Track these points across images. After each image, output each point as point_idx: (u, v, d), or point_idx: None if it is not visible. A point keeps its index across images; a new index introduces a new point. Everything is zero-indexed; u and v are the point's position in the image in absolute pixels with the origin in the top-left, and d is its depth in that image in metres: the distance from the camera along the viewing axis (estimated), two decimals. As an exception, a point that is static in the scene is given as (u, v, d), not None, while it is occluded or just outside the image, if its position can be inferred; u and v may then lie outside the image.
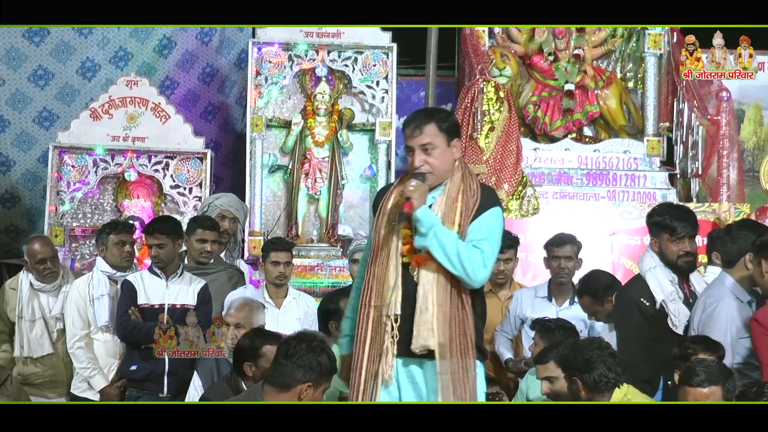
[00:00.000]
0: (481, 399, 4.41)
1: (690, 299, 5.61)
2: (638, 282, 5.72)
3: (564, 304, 6.93)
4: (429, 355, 4.31)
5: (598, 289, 6.32)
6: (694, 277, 5.78)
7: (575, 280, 7.08)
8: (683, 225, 5.58)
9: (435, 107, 4.77)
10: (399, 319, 4.32)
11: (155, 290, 6.52)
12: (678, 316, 5.50)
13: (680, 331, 5.50)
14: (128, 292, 6.51)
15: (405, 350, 4.33)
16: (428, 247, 4.28)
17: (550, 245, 7.05)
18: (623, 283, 6.18)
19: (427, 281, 4.32)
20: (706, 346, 5.07)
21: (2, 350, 7.05)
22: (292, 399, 4.42)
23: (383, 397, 4.35)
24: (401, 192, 4.40)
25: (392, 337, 4.31)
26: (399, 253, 4.37)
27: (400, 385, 4.38)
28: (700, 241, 7.02)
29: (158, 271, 6.58)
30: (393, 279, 4.35)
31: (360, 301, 4.44)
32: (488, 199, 4.45)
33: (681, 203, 7.98)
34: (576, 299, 6.92)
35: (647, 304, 5.56)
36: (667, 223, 5.61)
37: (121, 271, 6.84)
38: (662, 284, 5.56)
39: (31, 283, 6.98)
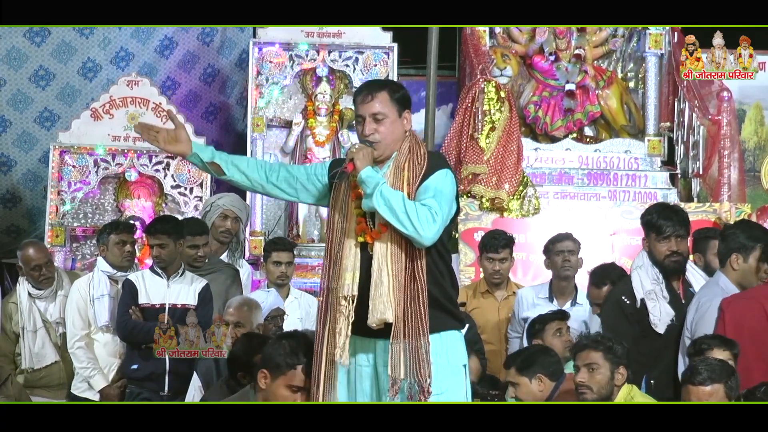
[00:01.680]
0: (458, 370, 4.34)
1: (684, 300, 5.61)
2: (625, 280, 5.76)
3: (565, 305, 6.92)
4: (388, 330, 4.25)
5: (618, 277, 6.29)
6: (693, 278, 5.77)
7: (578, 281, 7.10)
8: (670, 224, 5.56)
9: (386, 79, 4.70)
10: (355, 300, 4.26)
11: (156, 290, 6.52)
12: (659, 316, 5.49)
13: (661, 330, 5.47)
14: (129, 291, 6.50)
15: (373, 331, 4.26)
16: (375, 207, 4.21)
17: (550, 243, 7.05)
18: None
19: (381, 254, 4.26)
20: (722, 342, 5.07)
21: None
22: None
23: (365, 383, 4.32)
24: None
25: (347, 318, 4.26)
26: (354, 233, 4.32)
27: (378, 371, 4.32)
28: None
29: (159, 271, 6.58)
30: (349, 260, 4.30)
31: (320, 284, 4.42)
32: (436, 163, 4.38)
33: (675, 203, 7.96)
34: (577, 300, 6.92)
35: (627, 302, 5.56)
36: (654, 222, 5.60)
37: (122, 271, 6.84)
38: (643, 283, 5.54)
39: (29, 293, 6.97)
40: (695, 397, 4.65)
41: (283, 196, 4.59)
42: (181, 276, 6.60)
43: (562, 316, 6.31)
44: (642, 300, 5.53)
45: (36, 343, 6.92)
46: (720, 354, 4.98)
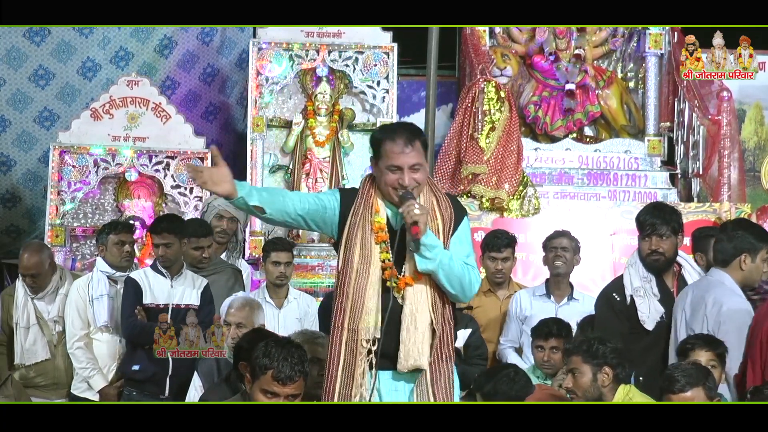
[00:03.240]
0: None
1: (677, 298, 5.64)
2: (618, 277, 5.84)
3: (562, 301, 6.95)
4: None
5: None
6: (689, 276, 5.77)
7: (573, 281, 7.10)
8: (651, 223, 5.63)
9: (411, 123, 4.61)
10: (377, 342, 4.29)
11: (160, 290, 6.50)
12: (647, 313, 5.55)
13: (649, 327, 5.55)
14: (134, 290, 6.47)
15: (387, 365, 4.33)
16: (434, 271, 4.28)
17: (546, 240, 7.13)
18: None
19: (416, 301, 4.31)
20: (706, 341, 5.08)
21: None
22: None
23: None
24: (405, 213, 4.27)
25: (368, 362, 4.29)
26: (379, 276, 4.33)
27: (382, 395, 4.36)
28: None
29: (163, 270, 6.56)
30: (372, 302, 4.31)
31: (332, 322, 4.38)
32: (458, 208, 4.49)
33: (668, 203, 7.97)
34: (573, 296, 6.93)
35: (618, 298, 5.66)
36: (638, 220, 5.73)
37: (121, 271, 6.83)
38: (632, 280, 5.64)
39: (25, 289, 6.97)
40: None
41: (295, 226, 4.59)
42: (183, 276, 6.59)
43: (548, 335, 6.29)
44: (631, 297, 5.60)
45: (28, 339, 6.91)
46: (702, 354, 5.02)
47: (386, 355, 4.31)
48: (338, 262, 4.42)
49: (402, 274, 4.34)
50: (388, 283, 4.33)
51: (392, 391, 4.37)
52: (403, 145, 4.33)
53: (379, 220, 4.38)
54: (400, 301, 4.33)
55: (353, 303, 4.33)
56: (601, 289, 6.62)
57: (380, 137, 4.42)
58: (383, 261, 4.34)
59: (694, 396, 4.63)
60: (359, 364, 4.29)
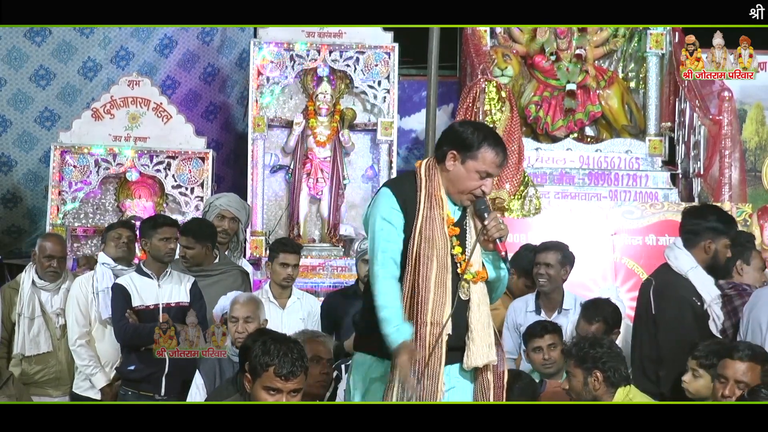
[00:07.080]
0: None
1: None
2: (684, 281, 5.58)
3: (553, 315, 6.76)
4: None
5: (611, 315, 6.26)
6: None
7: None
8: (736, 230, 5.70)
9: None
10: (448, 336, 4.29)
11: (148, 291, 6.49)
12: (718, 320, 5.49)
13: (717, 333, 5.49)
14: (121, 295, 6.45)
15: (454, 360, 4.33)
16: (503, 280, 4.44)
17: (535, 252, 6.84)
18: (649, 276, 6.00)
19: (483, 295, 4.36)
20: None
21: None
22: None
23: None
24: (492, 228, 4.30)
25: (445, 355, 4.26)
26: (451, 270, 4.31)
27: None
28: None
29: (148, 272, 6.54)
30: (448, 296, 4.29)
31: (412, 317, 4.26)
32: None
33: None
34: (564, 306, 6.77)
35: (698, 303, 5.52)
36: (730, 235, 5.60)
37: (122, 264, 6.86)
38: (707, 286, 5.52)
39: (33, 281, 6.99)
40: (731, 371, 4.75)
41: None
42: (169, 275, 6.59)
43: (542, 331, 6.24)
44: (708, 303, 5.53)
45: (32, 330, 6.93)
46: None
47: (454, 348, 4.30)
48: (408, 252, 4.28)
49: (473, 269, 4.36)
50: (465, 276, 4.32)
51: (455, 386, 4.37)
52: (501, 159, 4.36)
53: (448, 213, 4.36)
54: (461, 295, 4.31)
55: (435, 296, 4.27)
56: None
57: (482, 140, 4.35)
58: (456, 255, 4.34)
59: (749, 369, 4.73)
60: (442, 359, 4.25)
